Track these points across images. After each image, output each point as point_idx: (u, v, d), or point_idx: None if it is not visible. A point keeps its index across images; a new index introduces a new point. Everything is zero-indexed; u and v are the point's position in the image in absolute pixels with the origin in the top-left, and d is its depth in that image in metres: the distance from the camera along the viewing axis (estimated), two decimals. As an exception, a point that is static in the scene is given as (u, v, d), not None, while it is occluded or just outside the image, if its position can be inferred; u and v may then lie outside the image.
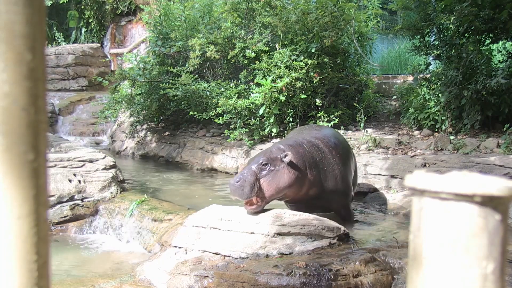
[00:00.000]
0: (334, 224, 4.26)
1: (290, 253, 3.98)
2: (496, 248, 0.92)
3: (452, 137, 7.06)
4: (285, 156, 4.34)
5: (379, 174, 6.41)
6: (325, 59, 8.16)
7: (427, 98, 7.74)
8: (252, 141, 8.14)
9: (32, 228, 0.92)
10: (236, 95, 8.24)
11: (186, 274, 3.88)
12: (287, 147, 4.52)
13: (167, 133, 10.04)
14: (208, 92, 8.57)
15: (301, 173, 4.46)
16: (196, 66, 8.68)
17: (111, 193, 5.95)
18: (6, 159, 0.90)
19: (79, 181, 5.87)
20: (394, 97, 9.60)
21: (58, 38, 16.34)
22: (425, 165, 6.08)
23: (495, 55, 7.98)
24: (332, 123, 7.93)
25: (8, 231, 0.91)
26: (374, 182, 6.38)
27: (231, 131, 8.21)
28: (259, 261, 3.84)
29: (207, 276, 3.81)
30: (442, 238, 0.93)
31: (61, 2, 15.50)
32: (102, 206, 5.81)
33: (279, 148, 4.49)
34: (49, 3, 15.36)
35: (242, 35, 8.73)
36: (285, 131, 8.23)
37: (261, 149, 7.10)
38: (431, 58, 8.40)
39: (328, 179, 4.72)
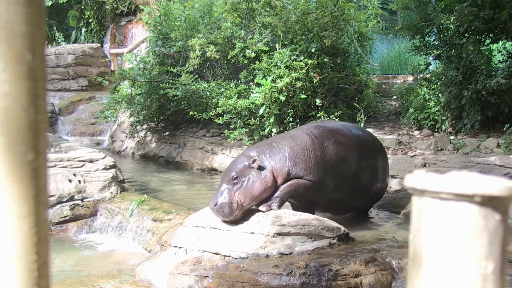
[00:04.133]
0: (334, 224, 4.26)
1: (290, 253, 3.98)
2: (496, 248, 0.92)
3: (452, 137, 7.06)
4: (253, 161, 4.33)
5: (379, 174, 6.41)
6: (325, 59, 8.15)
7: (427, 98, 7.74)
8: (252, 141, 8.13)
9: (32, 228, 0.92)
10: (236, 95, 8.23)
11: (186, 274, 3.88)
12: (254, 151, 4.49)
13: (167, 133, 10.04)
14: (208, 92, 8.57)
15: (271, 174, 4.39)
16: (196, 66, 8.68)
17: (111, 193, 5.95)
18: (6, 159, 0.90)
19: (79, 181, 5.87)
20: (394, 97, 9.60)
21: (58, 38, 16.34)
22: (425, 165, 6.07)
23: (495, 55, 7.98)
24: (332, 123, 7.92)
25: (8, 231, 0.91)
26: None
27: (231, 131, 8.20)
28: (259, 261, 3.84)
29: (207, 276, 3.81)
30: (442, 238, 0.93)
31: (61, 2, 15.49)
32: (102, 206, 5.81)
33: (246, 155, 4.46)
34: (49, 3, 15.36)
35: (242, 35, 8.72)
36: (285, 131, 8.22)
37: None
38: (431, 58, 8.39)
39: (299, 163, 4.47)
